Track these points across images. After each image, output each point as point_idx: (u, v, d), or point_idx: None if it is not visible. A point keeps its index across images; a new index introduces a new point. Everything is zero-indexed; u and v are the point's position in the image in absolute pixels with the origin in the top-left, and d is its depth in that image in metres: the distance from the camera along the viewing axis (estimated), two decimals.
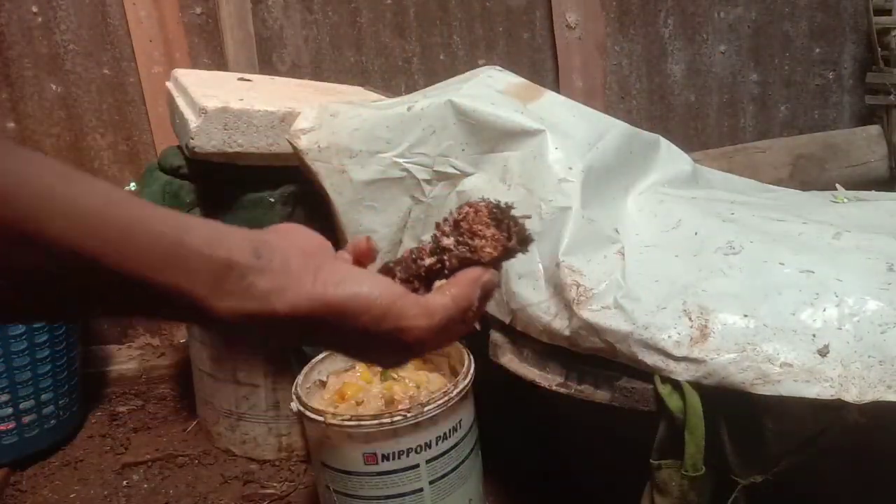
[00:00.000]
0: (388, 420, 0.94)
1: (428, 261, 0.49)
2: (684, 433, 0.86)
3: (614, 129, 1.17)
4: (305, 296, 0.41)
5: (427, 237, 0.54)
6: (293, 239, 0.44)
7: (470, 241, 0.50)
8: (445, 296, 0.46)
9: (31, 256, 0.34)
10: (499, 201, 0.51)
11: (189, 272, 0.38)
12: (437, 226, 0.52)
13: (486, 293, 0.48)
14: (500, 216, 0.51)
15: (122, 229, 0.36)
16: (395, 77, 1.97)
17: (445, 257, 0.50)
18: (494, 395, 1.06)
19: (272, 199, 1.24)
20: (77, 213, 0.35)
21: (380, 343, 0.45)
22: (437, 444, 0.98)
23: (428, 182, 1.13)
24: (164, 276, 0.37)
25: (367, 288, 0.43)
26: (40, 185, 0.35)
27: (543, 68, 2.04)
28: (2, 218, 0.33)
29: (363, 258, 0.52)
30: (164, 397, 1.71)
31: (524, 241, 0.51)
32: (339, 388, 1.09)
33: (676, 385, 0.88)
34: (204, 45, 1.85)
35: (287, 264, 0.41)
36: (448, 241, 0.50)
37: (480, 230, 0.50)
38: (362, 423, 0.95)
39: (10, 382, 1.41)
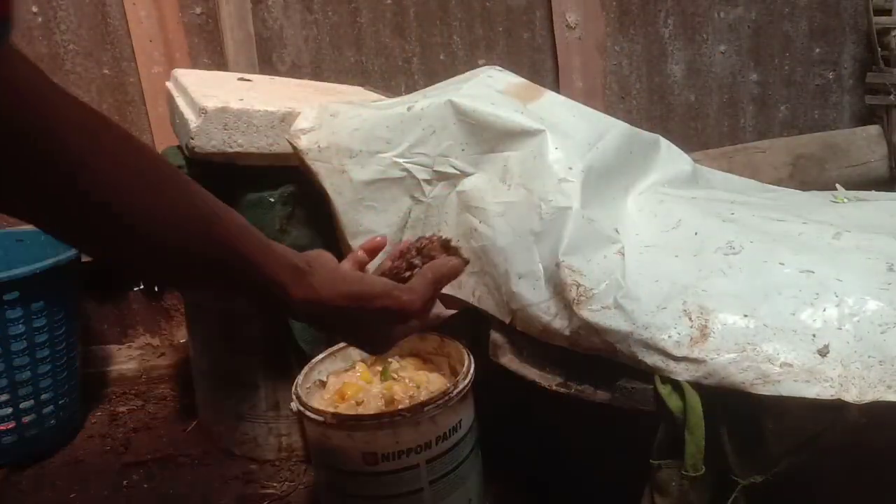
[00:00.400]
0: (388, 420, 0.94)
1: (406, 274, 0.76)
2: (684, 433, 0.86)
3: (614, 129, 1.17)
4: (338, 289, 0.67)
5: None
6: (323, 257, 0.70)
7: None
8: (421, 276, 0.75)
9: (202, 246, 0.58)
10: (441, 236, 0.82)
11: (280, 268, 0.63)
12: (402, 254, 0.80)
13: (453, 273, 0.77)
14: (448, 246, 0.80)
15: (252, 235, 0.62)
16: (395, 77, 1.97)
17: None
18: (494, 395, 1.06)
19: (272, 199, 1.24)
20: (228, 221, 0.60)
21: (383, 318, 0.71)
22: (437, 444, 0.98)
23: (428, 182, 1.13)
24: (270, 269, 0.62)
25: (376, 284, 0.71)
26: (210, 203, 0.59)
27: (543, 68, 2.04)
28: (191, 220, 0.57)
29: (373, 254, 0.82)
30: (164, 397, 1.71)
31: (463, 263, 0.80)
32: (339, 388, 1.09)
33: (676, 385, 0.88)
34: (204, 45, 1.85)
35: (324, 271, 0.67)
36: (417, 262, 0.77)
37: (436, 255, 0.78)
38: (362, 423, 0.95)
39: (10, 382, 1.41)
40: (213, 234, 0.58)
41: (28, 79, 0.50)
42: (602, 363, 0.95)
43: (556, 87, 2.00)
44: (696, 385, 0.87)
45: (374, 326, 0.73)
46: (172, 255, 0.57)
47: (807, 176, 2.14)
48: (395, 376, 1.11)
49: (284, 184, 1.25)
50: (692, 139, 2.15)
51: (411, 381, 1.10)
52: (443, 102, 1.12)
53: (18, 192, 0.50)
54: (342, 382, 1.10)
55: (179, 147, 1.36)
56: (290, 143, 1.17)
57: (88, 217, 0.52)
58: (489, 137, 1.10)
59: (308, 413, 0.99)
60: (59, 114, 0.50)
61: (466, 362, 1.04)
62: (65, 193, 0.51)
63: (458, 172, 1.11)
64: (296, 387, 1.05)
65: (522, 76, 1.28)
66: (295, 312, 0.67)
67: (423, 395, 1.05)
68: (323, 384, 1.12)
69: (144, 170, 0.55)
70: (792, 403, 0.82)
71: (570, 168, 1.04)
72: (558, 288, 0.99)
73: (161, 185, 0.56)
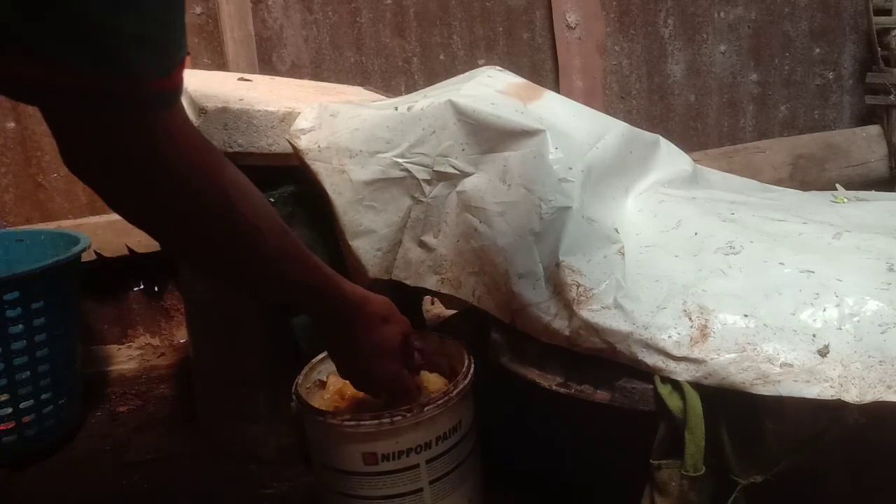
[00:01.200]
0: (388, 420, 0.94)
1: None
2: (684, 433, 0.86)
3: (614, 129, 1.17)
4: (371, 295, 0.93)
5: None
6: None
7: None
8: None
9: (294, 256, 0.81)
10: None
11: (333, 272, 0.87)
12: None
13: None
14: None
15: (316, 262, 0.84)
16: (395, 77, 1.97)
17: None
18: (494, 395, 1.06)
19: (272, 199, 1.24)
20: (304, 256, 0.82)
21: (393, 327, 0.95)
22: (437, 444, 0.98)
23: (428, 182, 1.13)
24: (329, 271, 0.86)
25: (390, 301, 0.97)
26: (288, 240, 0.80)
27: (543, 68, 2.04)
28: (285, 232, 0.79)
29: None
30: (164, 397, 1.71)
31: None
32: (339, 387, 1.09)
33: (676, 385, 0.88)
34: (204, 45, 1.86)
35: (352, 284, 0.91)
36: None
37: None
38: (362, 423, 0.95)
39: (10, 382, 1.41)
40: (293, 236, 0.80)
41: (189, 130, 0.64)
42: (602, 363, 0.95)
43: (556, 87, 2.00)
44: (696, 385, 0.87)
45: (384, 345, 0.93)
46: (272, 258, 0.77)
47: (807, 176, 2.14)
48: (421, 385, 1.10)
49: (284, 184, 1.25)
50: (692, 139, 2.16)
51: None
52: (443, 102, 1.12)
53: (173, 217, 0.66)
54: (342, 382, 1.10)
55: None
56: (290, 143, 1.17)
57: (230, 239, 0.72)
58: (489, 137, 1.10)
59: (308, 413, 0.99)
60: (207, 158, 0.66)
61: (466, 362, 1.04)
62: (216, 222, 0.69)
63: (458, 172, 1.11)
64: (296, 387, 1.05)
65: (522, 76, 1.28)
66: (340, 303, 0.87)
67: (423, 395, 1.05)
68: (323, 384, 1.12)
69: (254, 192, 0.74)
70: (792, 403, 0.82)
71: (570, 168, 1.04)
72: (558, 288, 0.99)
73: (265, 204, 0.76)
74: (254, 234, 0.73)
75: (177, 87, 0.59)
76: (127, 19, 0.52)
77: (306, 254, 0.82)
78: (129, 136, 0.58)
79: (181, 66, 0.59)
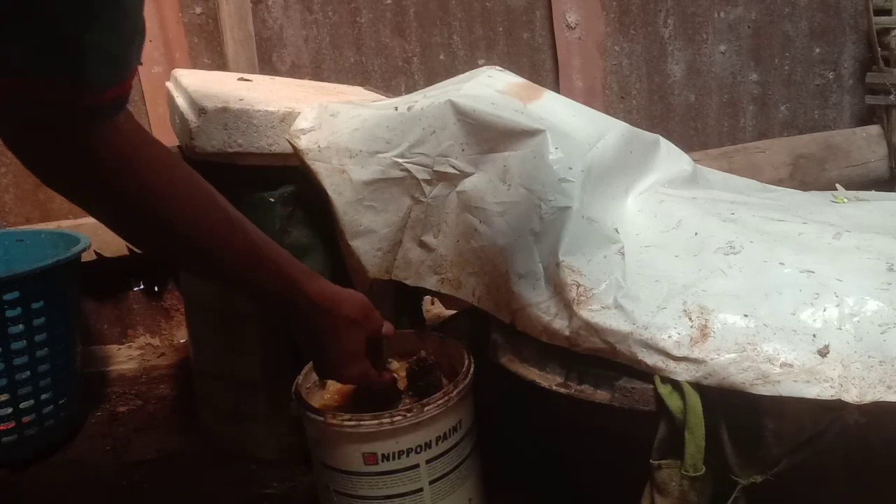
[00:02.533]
0: (388, 420, 0.94)
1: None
2: (684, 433, 0.86)
3: (614, 129, 1.17)
4: (349, 292, 0.92)
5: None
6: None
7: None
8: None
9: (242, 251, 0.78)
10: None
11: (301, 272, 0.84)
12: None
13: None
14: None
15: (271, 241, 0.82)
16: (395, 77, 1.97)
17: None
18: (494, 395, 1.06)
19: (272, 199, 1.24)
20: (252, 228, 0.81)
21: (358, 330, 0.91)
22: (437, 444, 0.98)
23: (428, 182, 1.13)
24: (294, 273, 0.83)
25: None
26: (237, 213, 0.79)
27: (543, 68, 2.04)
28: (232, 225, 0.77)
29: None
30: (164, 397, 1.71)
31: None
32: (339, 387, 1.09)
33: (676, 385, 0.88)
34: (204, 45, 1.86)
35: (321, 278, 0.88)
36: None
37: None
38: (362, 423, 0.95)
39: (10, 382, 1.41)
40: (248, 239, 0.79)
41: (133, 131, 0.65)
42: (602, 363, 0.95)
43: (556, 87, 2.00)
44: (696, 385, 0.87)
45: (347, 349, 0.91)
46: (218, 259, 0.77)
47: (807, 176, 2.14)
48: (396, 377, 1.11)
49: (284, 184, 1.25)
50: (692, 139, 2.16)
51: None
52: (443, 102, 1.12)
53: (113, 211, 0.70)
54: None
55: (179, 147, 1.36)
56: (290, 143, 1.17)
57: (163, 235, 0.73)
58: (489, 137, 1.10)
59: (308, 413, 0.99)
60: (150, 157, 0.68)
61: (466, 362, 1.04)
62: (153, 223, 0.70)
63: (458, 172, 1.11)
64: (296, 387, 1.05)
65: (522, 76, 1.28)
66: (304, 306, 0.84)
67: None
68: (323, 384, 1.12)
69: (202, 190, 0.74)
70: (792, 403, 0.82)
71: (570, 168, 1.04)
72: (558, 288, 0.99)
73: (213, 202, 0.76)
74: (199, 232, 0.74)
75: (126, 93, 0.62)
76: (92, 33, 0.53)
77: (268, 256, 0.80)
78: (77, 140, 0.61)
79: (133, 75, 0.62)
